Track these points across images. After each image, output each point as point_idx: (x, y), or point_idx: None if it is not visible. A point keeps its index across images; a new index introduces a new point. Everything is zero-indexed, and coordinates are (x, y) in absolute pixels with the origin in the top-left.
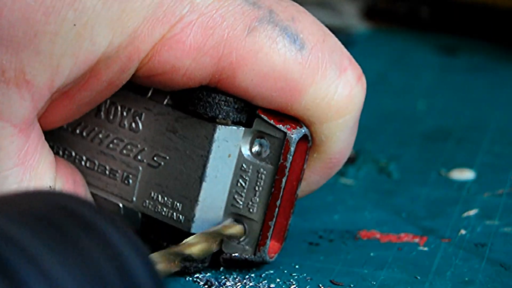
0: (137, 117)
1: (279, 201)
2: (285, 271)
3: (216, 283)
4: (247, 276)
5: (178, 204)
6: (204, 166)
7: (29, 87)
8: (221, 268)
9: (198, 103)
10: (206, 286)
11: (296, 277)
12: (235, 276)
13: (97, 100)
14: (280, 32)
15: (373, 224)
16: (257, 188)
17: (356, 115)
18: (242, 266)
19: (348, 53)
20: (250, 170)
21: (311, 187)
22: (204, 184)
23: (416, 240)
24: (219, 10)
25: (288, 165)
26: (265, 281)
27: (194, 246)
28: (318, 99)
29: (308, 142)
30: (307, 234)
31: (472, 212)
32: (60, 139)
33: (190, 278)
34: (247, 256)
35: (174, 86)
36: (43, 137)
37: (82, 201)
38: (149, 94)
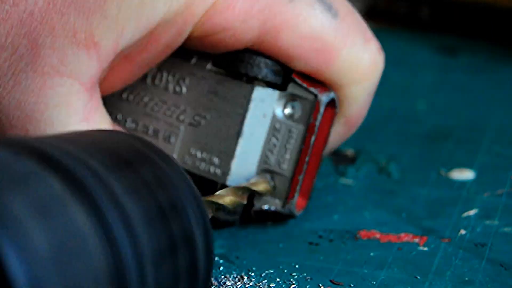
0: (181, 81)
1: (307, 157)
2: (285, 271)
3: (216, 282)
4: (247, 276)
5: (215, 159)
6: (242, 123)
7: (96, 48)
8: (221, 268)
9: (240, 64)
10: None
11: (296, 276)
12: (235, 276)
13: (154, 62)
14: (317, 1)
15: (373, 224)
16: (288, 146)
17: (376, 82)
18: (272, 219)
19: (369, 29)
20: (282, 130)
21: (331, 145)
22: (240, 139)
23: (416, 240)
24: None
25: (317, 124)
26: (265, 281)
27: (225, 197)
28: (349, 61)
29: (335, 107)
30: (307, 234)
31: (472, 212)
32: (107, 104)
33: None
34: (276, 208)
35: (222, 47)
36: (101, 101)
37: (148, 143)
38: (193, 60)
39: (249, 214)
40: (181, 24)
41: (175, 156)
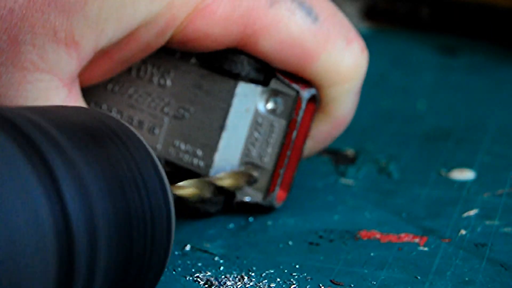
0: (165, 74)
1: (289, 151)
2: (286, 271)
3: (216, 282)
4: (247, 276)
5: (199, 151)
6: (225, 117)
7: (76, 47)
8: (221, 268)
9: (223, 61)
10: (207, 286)
11: (296, 276)
12: (235, 276)
13: (134, 59)
14: (298, 6)
15: (373, 224)
16: (270, 140)
17: (359, 83)
18: (253, 211)
19: (353, 28)
20: (264, 124)
21: (320, 145)
22: (223, 133)
23: (416, 240)
24: None
25: (299, 119)
26: (266, 281)
27: (224, 179)
28: (328, 65)
29: (315, 103)
30: (307, 234)
31: (472, 212)
32: (92, 94)
33: (191, 278)
34: (256, 201)
35: (204, 49)
36: (81, 93)
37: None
38: (177, 54)
39: (231, 205)
40: (162, 27)
41: (159, 147)
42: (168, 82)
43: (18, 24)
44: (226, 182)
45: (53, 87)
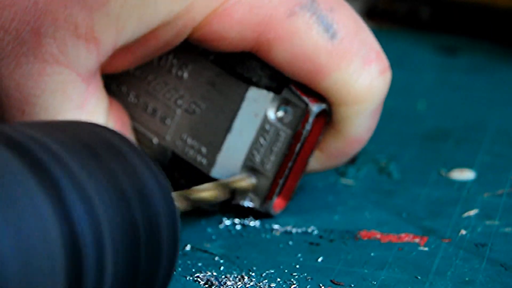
0: (183, 66)
1: (291, 163)
2: (286, 271)
3: (217, 282)
4: (247, 276)
5: (203, 148)
6: (233, 119)
7: (96, 43)
8: (221, 268)
9: (238, 64)
10: (207, 286)
11: (296, 276)
12: (235, 275)
13: (153, 55)
14: (316, 20)
15: (374, 224)
16: (274, 148)
17: (374, 105)
18: (251, 214)
19: (377, 47)
20: (271, 132)
21: (333, 161)
22: (229, 135)
23: (417, 240)
24: None
25: (304, 133)
26: (266, 281)
27: (205, 191)
28: (339, 84)
29: (326, 117)
30: (307, 234)
31: (473, 212)
32: (115, 76)
33: (191, 278)
34: (253, 206)
35: (220, 50)
36: (101, 85)
37: (118, 134)
38: (200, 48)
39: (229, 206)
40: (181, 27)
41: (168, 137)
42: (185, 75)
43: (42, 17)
44: (243, 184)
45: (70, 80)
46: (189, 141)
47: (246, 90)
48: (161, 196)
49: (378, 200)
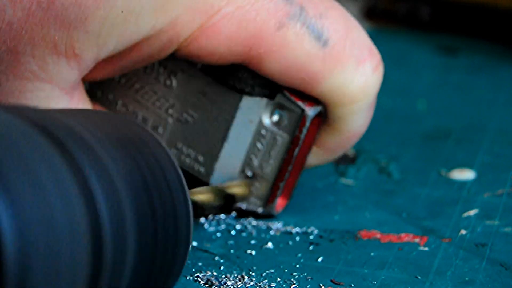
0: (172, 75)
1: (290, 166)
2: (286, 271)
3: (217, 282)
4: (247, 275)
5: (200, 157)
6: (227, 129)
7: (77, 59)
8: (222, 268)
9: (229, 75)
10: (207, 285)
11: (296, 276)
12: (235, 275)
13: (136, 66)
14: (307, 30)
15: (374, 224)
16: (272, 153)
17: (369, 101)
18: (252, 216)
19: (369, 43)
20: (268, 136)
21: (331, 155)
22: (225, 144)
23: (417, 240)
24: (254, 5)
25: (302, 137)
26: (266, 280)
27: (201, 194)
28: (334, 87)
29: (321, 117)
30: (307, 234)
31: (473, 212)
32: (101, 83)
33: (191, 278)
34: (256, 209)
35: (209, 64)
36: (85, 93)
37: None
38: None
39: (230, 210)
40: (165, 42)
41: None
42: (174, 84)
43: (17, 36)
44: (238, 190)
45: (54, 96)
46: (185, 150)
47: (240, 99)
48: (179, 187)
49: (378, 200)
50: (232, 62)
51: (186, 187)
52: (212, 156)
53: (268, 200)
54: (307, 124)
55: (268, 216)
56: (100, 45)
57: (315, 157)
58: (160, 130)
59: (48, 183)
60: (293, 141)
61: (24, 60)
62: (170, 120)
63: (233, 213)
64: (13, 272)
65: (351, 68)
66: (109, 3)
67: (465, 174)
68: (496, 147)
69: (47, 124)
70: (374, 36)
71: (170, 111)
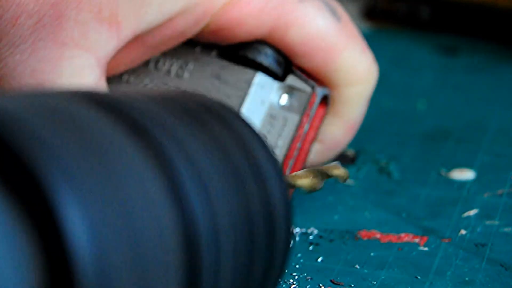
0: (184, 66)
1: (299, 143)
2: (286, 271)
3: None
4: None
5: None
6: (240, 105)
7: (118, 27)
8: None
9: (248, 50)
10: None
11: (296, 276)
12: None
13: (164, 47)
14: (324, 5)
15: (373, 224)
16: (282, 134)
17: (371, 88)
18: None
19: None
20: (278, 118)
21: (332, 151)
22: None
23: (416, 240)
24: None
25: (312, 113)
26: None
27: (303, 178)
28: (348, 63)
29: (327, 105)
30: (307, 234)
31: (472, 212)
32: (109, 83)
33: None
34: None
35: (233, 40)
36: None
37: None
38: (198, 48)
39: None
40: (200, 14)
41: None
42: (186, 74)
43: (64, 0)
44: (339, 172)
45: (89, 65)
46: None
47: (254, 76)
48: (274, 173)
49: (378, 200)
50: (257, 37)
51: (281, 171)
52: None
53: None
54: (317, 100)
55: None
56: (141, 14)
57: (315, 154)
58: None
59: (131, 185)
60: (303, 118)
61: (67, 26)
62: None
63: None
64: None
65: (360, 49)
66: None
67: (465, 174)
68: (496, 147)
69: (125, 108)
70: (374, 36)
71: None
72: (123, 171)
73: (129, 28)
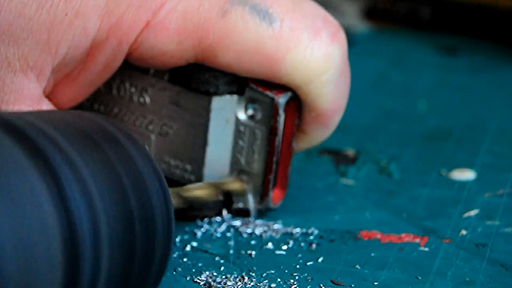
0: (143, 92)
1: (275, 157)
2: (286, 271)
3: (217, 282)
4: (248, 276)
5: (188, 166)
6: (205, 133)
7: (33, 70)
8: (222, 268)
9: (190, 80)
10: (207, 286)
11: (297, 277)
12: (236, 276)
13: (98, 81)
14: (250, 11)
15: (374, 225)
16: (254, 147)
17: (338, 70)
18: (253, 215)
19: (322, 14)
20: (247, 132)
21: (317, 139)
22: (207, 148)
23: (417, 240)
24: None
25: (279, 126)
26: (266, 281)
27: (198, 190)
28: (296, 64)
29: (296, 103)
30: (307, 234)
31: (473, 213)
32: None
33: (191, 278)
34: (254, 206)
35: (166, 66)
36: (53, 107)
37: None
38: (151, 71)
39: (230, 211)
40: (116, 45)
41: None
42: (147, 100)
43: None
44: (232, 187)
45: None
46: (172, 162)
47: (210, 102)
48: (157, 186)
49: (378, 200)
50: (186, 61)
51: (165, 184)
52: (198, 162)
53: (263, 194)
54: (280, 112)
55: (268, 210)
56: (52, 52)
57: (302, 143)
58: (146, 147)
59: (20, 189)
60: (272, 132)
61: None
62: (152, 136)
63: (232, 214)
64: None
65: (307, 40)
66: (51, 8)
67: (466, 174)
68: (497, 147)
69: (19, 124)
70: (374, 36)
71: (150, 127)
72: (17, 183)
73: (44, 67)
